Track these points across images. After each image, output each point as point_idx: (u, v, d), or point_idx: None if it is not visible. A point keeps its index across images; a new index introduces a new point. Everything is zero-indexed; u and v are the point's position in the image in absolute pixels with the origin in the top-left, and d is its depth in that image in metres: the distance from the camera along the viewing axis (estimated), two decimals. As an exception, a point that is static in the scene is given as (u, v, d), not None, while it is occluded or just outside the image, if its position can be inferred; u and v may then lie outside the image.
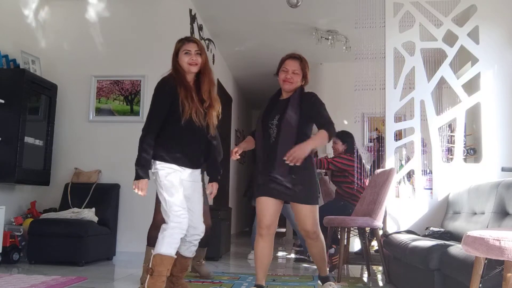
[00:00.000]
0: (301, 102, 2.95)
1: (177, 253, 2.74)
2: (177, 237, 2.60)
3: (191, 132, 2.75)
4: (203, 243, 3.74)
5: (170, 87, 2.74)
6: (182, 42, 2.86)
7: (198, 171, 2.88)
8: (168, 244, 2.57)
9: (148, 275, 2.54)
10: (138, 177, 2.63)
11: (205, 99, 2.80)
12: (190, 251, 2.84)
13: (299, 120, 2.90)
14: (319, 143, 2.87)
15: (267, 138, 2.95)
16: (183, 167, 2.75)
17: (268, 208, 2.91)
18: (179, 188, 2.68)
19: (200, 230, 2.81)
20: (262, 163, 2.95)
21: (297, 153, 2.65)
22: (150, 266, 2.55)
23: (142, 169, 2.64)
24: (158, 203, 3.11)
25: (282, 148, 2.79)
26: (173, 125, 2.73)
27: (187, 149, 2.76)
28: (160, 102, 2.75)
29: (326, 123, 2.83)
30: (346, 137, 5.12)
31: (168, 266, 2.57)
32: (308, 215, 2.93)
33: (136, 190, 2.64)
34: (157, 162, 2.70)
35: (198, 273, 3.80)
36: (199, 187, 2.88)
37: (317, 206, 3.01)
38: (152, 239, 3.53)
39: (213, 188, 2.94)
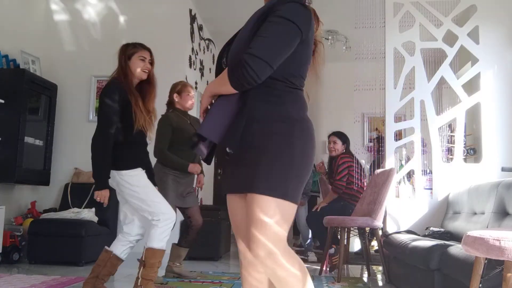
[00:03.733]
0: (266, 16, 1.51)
1: (113, 255, 2.83)
2: (168, 231, 2.75)
3: (141, 138, 2.82)
4: (188, 243, 3.73)
5: (122, 92, 2.72)
6: (136, 47, 2.88)
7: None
8: (159, 239, 2.71)
9: (142, 267, 2.72)
10: (102, 186, 2.67)
11: (150, 109, 2.83)
12: (126, 253, 2.87)
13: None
14: (214, 87, 1.55)
15: None
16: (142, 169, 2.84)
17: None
18: (152, 186, 2.80)
19: (144, 231, 2.90)
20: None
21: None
22: (143, 258, 2.72)
23: (105, 179, 2.69)
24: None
25: (219, 103, 1.55)
26: (126, 132, 2.73)
27: (140, 155, 2.85)
28: (110, 106, 2.70)
29: (242, 56, 1.43)
30: (345, 138, 5.13)
31: (160, 258, 2.74)
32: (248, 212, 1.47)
33: (98, 199, 2.69)
34: (123, 171, 2.71)
35: (180, 275, 3.72)
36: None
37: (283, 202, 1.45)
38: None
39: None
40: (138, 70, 2.82)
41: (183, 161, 3.62)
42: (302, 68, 1.56)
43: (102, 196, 2.69)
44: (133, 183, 2.72)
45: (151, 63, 2.88)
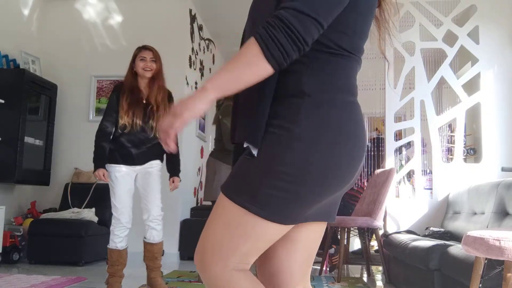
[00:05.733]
0: None
1: (143, 241, 3.17)
2: (117, 233, 3.03)
3: (127, 135, 3.06)
4: None
5: (117, 92, 3.10)
6: (138, 49, 3.19)
7: (152, 163, 3.15)
8: (111, 239, 3.03)
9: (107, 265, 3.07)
10: (95, 167, 3.03)
11: (152, 103, 3.11)
12: (151, 235, 3.15)
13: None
14: (228, 78, 0.97)
15: None
16: (128, 165, 3.07)
17: None
18: (120, 186, 3.02)
19: (154, 213, 3.13)
20: None
21: (165, 122, 1.01)
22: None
23: (96, 161, 3.04)
24: None
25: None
26: (116, 127, 3.09)
27: (122, 151, 3.07)
28: (109, 104, 3.13)
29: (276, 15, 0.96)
30: None
31: (115, 257, 3.02)
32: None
33: (98, 178, 3.03)
34: (108, 164, 3.06)
35: None
36: (155, 177, 3.15)
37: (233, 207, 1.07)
38: None
39: (175, 181, 3.22)
40: (140, 69, 3.12)
41: None
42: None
43: (96, 175, 3.00)
44: (110, 177, 3.04)
45: (155, 61, 3.15)
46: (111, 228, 3.06)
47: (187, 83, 5.36)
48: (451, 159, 4.21)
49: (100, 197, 4.87)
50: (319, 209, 1.09)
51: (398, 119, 4.36)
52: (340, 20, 1.02)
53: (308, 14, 0.93)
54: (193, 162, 5.55)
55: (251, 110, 1.05)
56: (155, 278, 3.14)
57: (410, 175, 4.37)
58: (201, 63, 6.18)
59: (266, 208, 1.01)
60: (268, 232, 1.04)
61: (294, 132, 1.00)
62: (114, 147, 3.08)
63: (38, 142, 4.85)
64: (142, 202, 3.14)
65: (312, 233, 1.18)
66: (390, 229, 4.05)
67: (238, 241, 1.04)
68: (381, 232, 4.12)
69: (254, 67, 0.94)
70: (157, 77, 3.17)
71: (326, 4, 0.96)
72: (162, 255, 3.27)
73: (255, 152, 1.04)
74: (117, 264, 3.04)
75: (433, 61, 4.36)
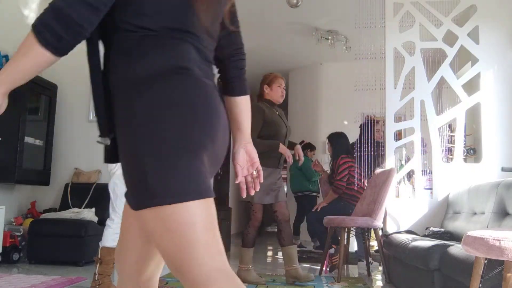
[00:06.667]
0: None
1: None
2: (118, 231, 2.86)
3: None
4: (290, 240, 3.60)
5: None
6: None
7: None
8: (112, 239, 2.97)
9: (98, 264, 2.98)
10: None
11: None
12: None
13: None
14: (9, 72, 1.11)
15: None
16: None
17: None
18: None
19: None
20: None
21: None
22: (99, 257, 2.99)
23: None
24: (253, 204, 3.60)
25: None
26: None
27: None
28: None
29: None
30: (334, 139, 5.04)
31: (112, 255, 2.91)
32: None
33: None
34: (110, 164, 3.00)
35: (296, 278, 3.55)
36: None
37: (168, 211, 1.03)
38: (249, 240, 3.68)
39: None
40: None
41: (272, 141, 3.52)
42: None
43: None
44: (116, 175, 2.97)
45: None
46: (113, 226, 2.98)
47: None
48: (451, 159, 4.21)
49: (100, 197, 4.86)
50: None
51: (398, 119, 4.36)
52: (132, 1, 1.04)
53: None
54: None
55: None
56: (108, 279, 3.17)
57: (410, 175, 4.37)
58: (201, 63, 6.19)
59: (163, 192, 0.99)
60: (196, 214, 1.01)
61: (130, 114, 1.07)
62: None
63: (38, 142, 4.85)
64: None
65: None
66: (390, 229, 4.05)
67: (201, 235, 1.01)
68: (381, 232, 4.12)
69: (31, 54, 0.99)
70: None
71: None
72: None
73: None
74: (112, 262, 3.00)
75: (433, 61, 4.36)
